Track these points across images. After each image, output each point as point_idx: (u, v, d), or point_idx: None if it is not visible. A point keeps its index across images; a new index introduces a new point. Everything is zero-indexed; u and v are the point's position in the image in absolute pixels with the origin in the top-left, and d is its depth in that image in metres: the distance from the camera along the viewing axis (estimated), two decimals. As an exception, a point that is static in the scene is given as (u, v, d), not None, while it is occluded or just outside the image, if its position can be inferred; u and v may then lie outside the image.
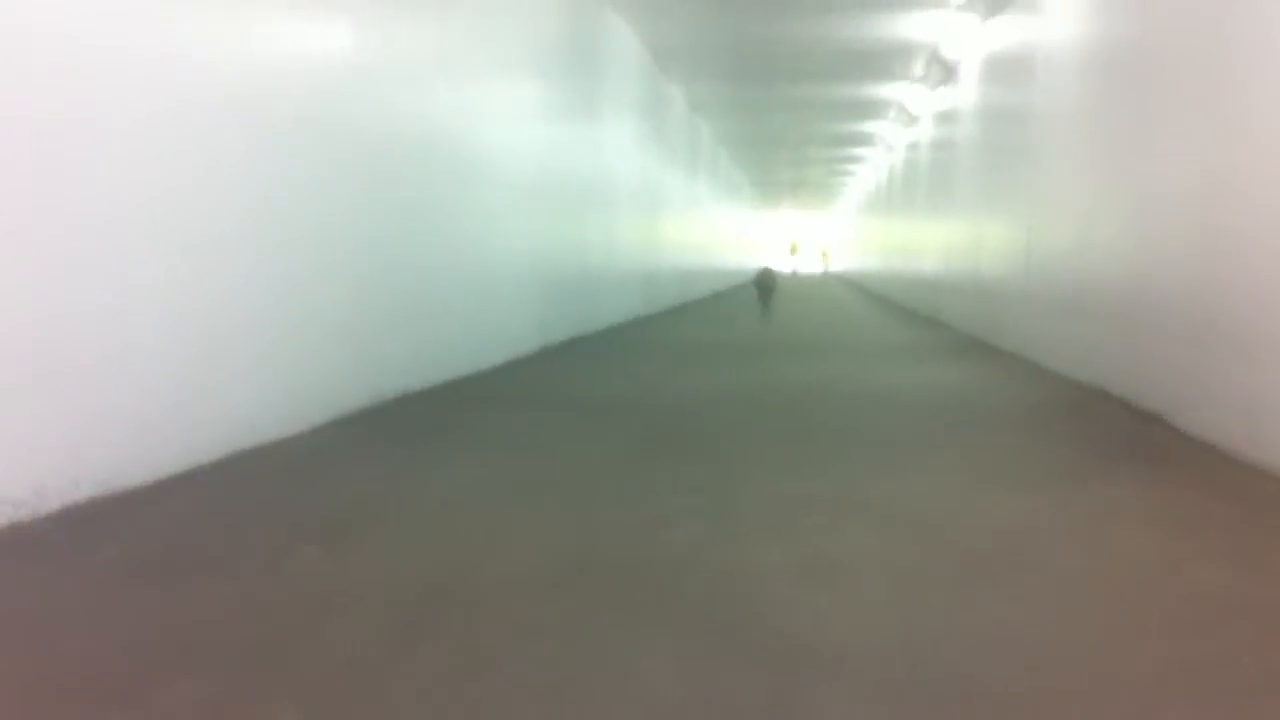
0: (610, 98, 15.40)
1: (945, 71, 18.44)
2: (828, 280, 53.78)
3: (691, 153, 25.42)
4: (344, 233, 6.89)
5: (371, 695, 2.76)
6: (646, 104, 18.48)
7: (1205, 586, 3.82)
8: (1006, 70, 13.83)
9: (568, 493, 5.14)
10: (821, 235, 69.84)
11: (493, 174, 9.95)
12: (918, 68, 19.48)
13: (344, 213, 6.89)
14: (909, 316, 21.60)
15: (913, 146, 25.12)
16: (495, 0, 9.85)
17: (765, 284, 20.23)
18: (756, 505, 4.94)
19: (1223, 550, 4.28)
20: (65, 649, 3.02)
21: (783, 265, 62.96)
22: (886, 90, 22.18)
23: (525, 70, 10.94)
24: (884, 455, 6.21)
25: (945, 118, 19.33)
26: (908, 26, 16.37)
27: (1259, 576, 3.94)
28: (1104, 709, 2.79)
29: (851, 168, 40.04)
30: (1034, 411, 8.06)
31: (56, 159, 4.42)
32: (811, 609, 3.51)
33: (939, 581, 3.83)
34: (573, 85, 13.01)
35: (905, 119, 24.85)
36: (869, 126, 27.98)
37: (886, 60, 18.99)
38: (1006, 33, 13.80)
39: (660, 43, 17.73)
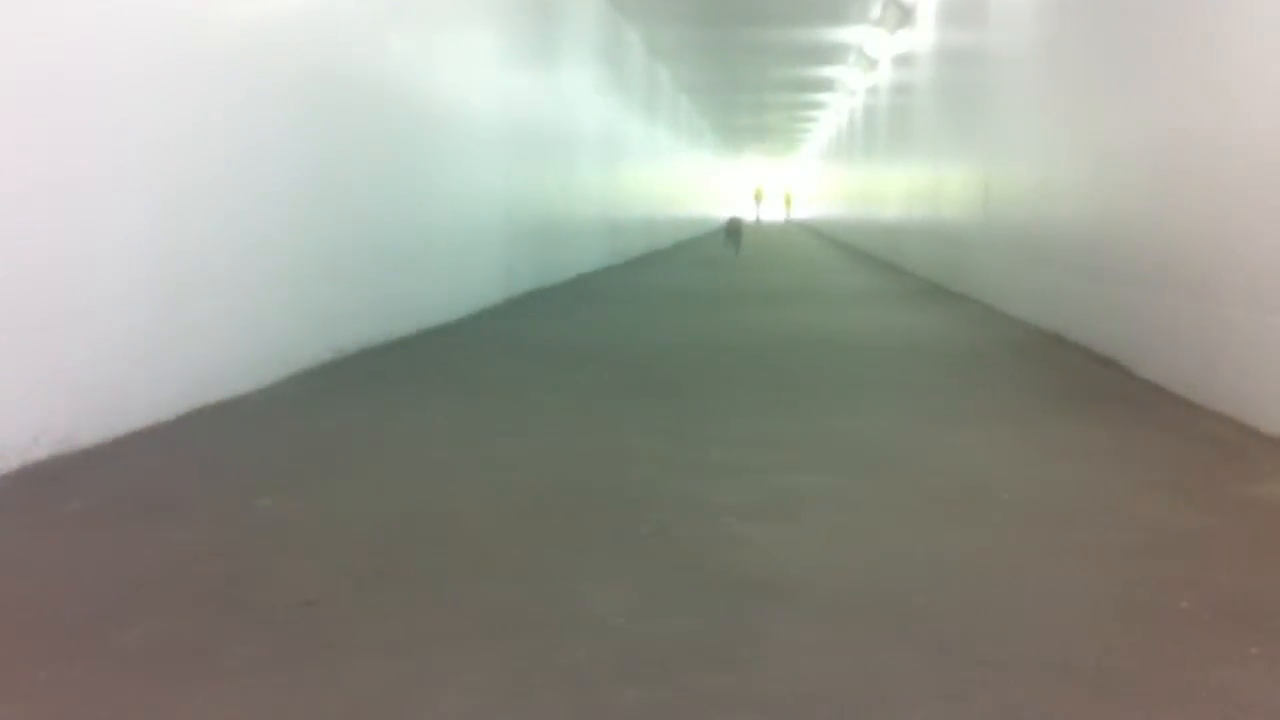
0: (568, 43, 15.30)
1: (903, 13, 18.42)
2: (790, 228, 53.85)
3: (651, 99, 25.30)
4: (302, 186, 6.85)
5: (327, 634, 2.81)
6: (605, 49, 18.36)
7: (1147, 517, 3.94)
8: (963, 11, 13.84)
9: (530, 436, 5.21)
10: (785, 182, 69.75)
11: (452, 124, 9.90)
12: (875, 10, 19.44)
13: (302, 166, 6.86)
14: (872, 263, 21.75)
15: (873, 91, 25.13)
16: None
17: (734, 229, 24.62)
18: (716, 444, 5.03)
19: (1167, 483, 4.40)
20: (23, 597, 3.06)
21: (748, 213, 62.94)
22: (846, 34, 22.13)
23: (480, 16, 10.85)
24: (843, 397, 6.32)
25: (904, 61, 19.34)
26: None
27: (1199, 508, 4.06)
28: (1040, 627, 2.89)
29: (813, 113, 39.98)
30: (990, 356, 8.18)
31: (23, 119, 4.39)
32: (767, 542, 3.60)
33: (892, 514, 3.93)
34: (529, 31, 12.93)
35: (865, 63, 24.81)
36: (829, 71, 27.92)
37: (844, 2, 18.95)
38: (963, -25, 13.80)
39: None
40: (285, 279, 6.63)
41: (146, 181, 5.24)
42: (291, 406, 5.87)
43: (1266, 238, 5.36)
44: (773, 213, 68.79)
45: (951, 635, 2.84)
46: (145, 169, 5.24)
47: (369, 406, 5.88)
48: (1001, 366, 7.61)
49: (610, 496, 4.15)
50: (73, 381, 4.74)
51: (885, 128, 22.86)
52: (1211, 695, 2.54)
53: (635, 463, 4.66)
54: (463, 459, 4.74)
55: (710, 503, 4.04)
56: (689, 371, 7.27)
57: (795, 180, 68.62)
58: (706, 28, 21.54)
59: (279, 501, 4.02)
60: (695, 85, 31.02)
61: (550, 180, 14.36)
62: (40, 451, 4.49)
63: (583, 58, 16.45)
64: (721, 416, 5.70)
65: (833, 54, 24.93)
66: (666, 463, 4.67)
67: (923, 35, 17.07)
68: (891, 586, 3.19)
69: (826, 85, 30.94)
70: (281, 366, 6.55)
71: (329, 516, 3.86)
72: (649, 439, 5.13)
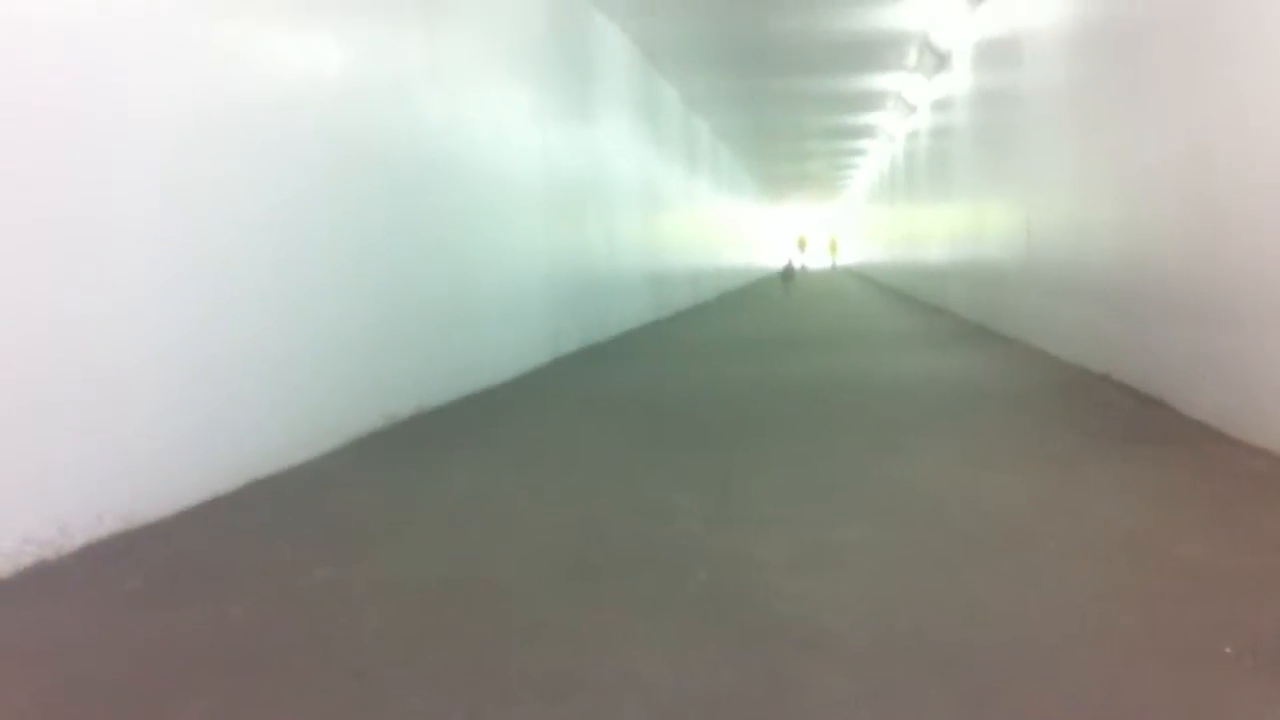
0: (604, 99, 15.52)
1: (939, 60, 18.53)
2: (835, 274, 53.84)
3: (690, 150, 25.51)
4: (344, 255, 7.02)
5: (375, 702, 2.91)
6: (641, 103, 18.59)
7: (1187, 558, 3.95)
8: (996, 54, 13.93)
9: (576, 496, 5.31)
10: (828, 228, 69.76)
11: (491, 184, 10.08)
12: (911, 57, 19.57)
13: (347, 232, 7.03)
14: (917, 306, 21.73)
15: (913, 136, 25.21)
16: (479, 12, 9.98)
17: (788, 272, 32.02)
18: (760, 497, 5.11)
19: (1206, 524, 4.40)
20: (88, 678, 3.17)
21: (796, 260, 63.10)
22: (883, 81, 22.27)
23: (515, 77, 11.06)
24: (886, 444, 6.34)
25: (942, 105, 19.43)
26: (897, 16, 16.47)
27: (1237, 549, 4.06)
28: (1074, 671, 2.93)
29: (855, 160, 40.10)
30: (1034, 398, 8.18)
31: (61, 180, 4.56)
32: (807, 594, 3.65)
33: (931, 563, 3.97)
34: (565, 89, 13.14)
35: (904, 109, 24.92)
36: (869, 118, 28.06)
37: (879, 50, 19.10)
38: (994, 17, 13.90)
39: (651, 41, 17.85)
40: (335, 349, 6.79)
41: (194, 258, 5.41)
42: (345, 475, 6.00)
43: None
44: (818, 259, 68.68)
45: (989, 683, 2.88)
46: (194, 247, 5.40)
47: (419, 472, 6.00)
48: (1046, 409, 7.60)
49: (656, 554, 4.22)
50: (135, 459, 4.90)
51: (926, 171, 22.92)
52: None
53: (681, 519, 4.74)
54: (510, 521, 4.84)
55: (754, 557, 4.11)
56: (734, 424, 7.33)
57: (839, 226, 68.58)
58: (742, 79, 21.76)
59: (332, 571, 4.13)
60: (734, 135, 31.26)
61: (592, 237, 14.53)
62: (104, 529, 4.63)
63: (620, 112, 16.67)
64: (766, 468, 5.77)
65: (872, 101, 25.07)
66: (711, 518, 4.74)
67: (959, 78, 17.16)
68: (930, 636, 3.23)
69: (867, 131, 31.07)
70: (335, 436, 6.69)
71: (380, 584, 3.96)
72: (695, 494, 5.20)
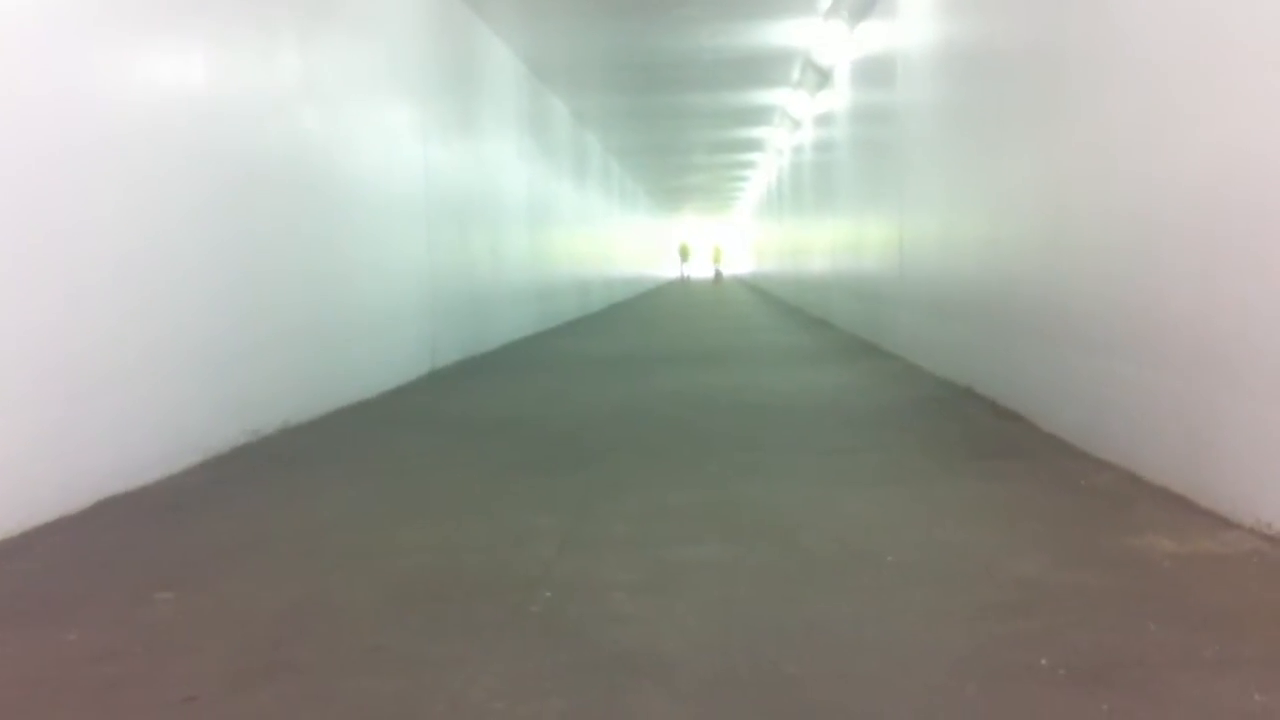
0: (490, 114, 15.49)
1: (821, 77, 18.84)
2: (722, 284, 54.29)
3: (580, 165, 25.56)
4: (215, 268, 6.90)
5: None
6: (529, 118, 18.59)
7: (1023, 574, 4.08)
8: (872, 73, 14.23)
9: (434, 518, 5.27)
10: (719, 239, 70.25)
11: (369, 197, 9.99)
12: (795, 74, 19.86)
13: (214, 247, 6.91)
14: (801, 318, 22.03)
15: (798, 150, 25.58)
16: (357, 25, 9.90)
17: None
18: (619, 519, 5.12)
19: (1045, 540, 4.55)
20: (-92, 711, 3.08)
21: (680, 270, 63.40)
22: (769, 96, 22.57)
23: (396, 91, 11.00)
24: (751, 462, 6.42)
25: (824, 121, 19.77)
26: (780, 34, 16.73)
27: (1071, 565, 4.20)
28: (903, 691, 3.02)
29: (745, 172, 40.56)
30: (900, 413, 8.36)
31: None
32: (647, 618, 3.69)
33: (776, 584, 4.04)
34: (448, 103, 13.09)
35: (790, 124, 25.28)
36: (757, 132, 28.40)
37: (764, 67, 19.35)
38: (870, 37, 14.19)
39: (539, 57, 17.88)
40: (197, 365, 6.66)
41: (45, 276, 5.28)
42: (201, 494, 5.89)
43: (1149, 294, 5.57)
44: (704, 269, 68.70)
45: (817, 704, 2.95)
46: (43, 263, 5.27)
47: (277, 491, 5.91)
48: (909, 424, 7.77)
49: (506, 578, 4.21)
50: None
51: (811, 185, 23.27)
52: (1053, 755, 2.66)
53: (536, 541, 4.73)
54: (364, 545, 4.79)
55: (602, 579, 4.13)
56: (603, 442, 7.35)
57: (732, 237, 69.07)
58: (632, 94, 21.89)
59: (176, 596, 4.06)
60: (626, 149, 31.41)
61: (475, 250, 14.47)
62: (-62, 554, 4.50)
63: (506, 127, 16.65)
64: (629, 489, 5.78)
65: (759, 115, 25.38)
66: (567, 540, 4.75)
67: (840, 96, 17.47)
68: (766, 657, 3.29)
69: (755, 145, 31.44)
70: (194, 453, 6.57)
71: (224, 610, 3.90)
72: (553, 516, 5.20)
